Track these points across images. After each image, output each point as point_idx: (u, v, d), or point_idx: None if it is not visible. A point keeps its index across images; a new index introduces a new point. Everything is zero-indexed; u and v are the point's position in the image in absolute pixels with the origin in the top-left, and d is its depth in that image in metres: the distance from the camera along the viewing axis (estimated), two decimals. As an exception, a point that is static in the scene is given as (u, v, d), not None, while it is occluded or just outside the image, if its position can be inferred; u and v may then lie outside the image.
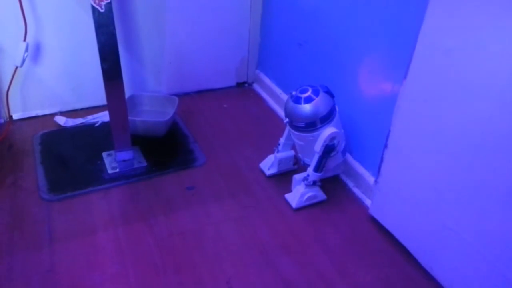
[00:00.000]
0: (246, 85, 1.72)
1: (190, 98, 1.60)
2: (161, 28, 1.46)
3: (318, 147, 1.03)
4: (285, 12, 1.41)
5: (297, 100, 1.02)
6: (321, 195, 1.11)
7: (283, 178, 1.19)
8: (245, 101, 1.61)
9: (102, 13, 1.00)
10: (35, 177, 1.15)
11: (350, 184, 1.19)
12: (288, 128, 1.11)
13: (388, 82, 1.01)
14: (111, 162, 1.21)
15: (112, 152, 1.24)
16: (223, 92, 1.67)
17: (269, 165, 1.21)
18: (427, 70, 0.83)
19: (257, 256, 0.96)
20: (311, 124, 1.02)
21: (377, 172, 1.03)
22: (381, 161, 1.00)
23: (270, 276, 0.92)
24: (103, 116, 1.42)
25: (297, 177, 1.11)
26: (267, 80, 1.61)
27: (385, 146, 0.98)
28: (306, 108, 1.00)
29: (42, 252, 0.93)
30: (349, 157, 1.19)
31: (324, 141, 1.02)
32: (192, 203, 1.10)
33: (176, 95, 1.44)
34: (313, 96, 1.01)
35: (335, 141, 1.04)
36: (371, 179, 1.11)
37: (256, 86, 1.70)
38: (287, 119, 1.06)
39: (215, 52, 1.59)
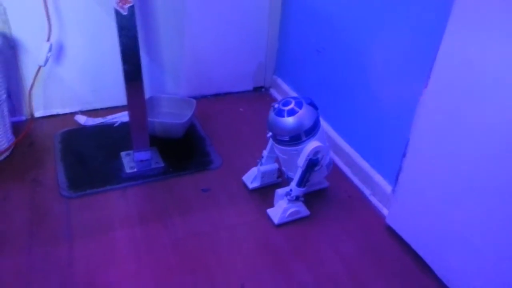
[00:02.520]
0: (263, 89, 1.73)
1: (207, 101, 1.61)
2: (181, 32, 1.48)
3: (302, 161, 0.99)
4: (304, 18, 1.42)
5: (279, 113, 0.99)
6: (304, 211, 1.07)
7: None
8: (262, 105, 1.62)
9: (125, 16, 1.02)
10: (55, 174, 1.17)
11: (367, 192, 1.18)
12: (271, 141, 1.08)
13: (408, 91, 1.00)
14: (129, 161, 1.22)
15: (130, 152, 1.25)
16: (240, 96, 1.68)
17: (252, 178, 1.17)
18: (448, 79, 0.83)
19: (271, 261, 0.96)
20: (295, 138, 0.99)
21: (394, 181, 1.03)
22: (399, 170, 1.00)
23: (283, 282, 0.92)
24: (122, 117, 1.44)
25: (279, 191, 1.07)
26: (284, 86, 1.62)
27: (404, 155, 0.98)
28: (289, 121, 0.98)
29: (61, 247, 0.95)
30: (366, 165, 1.19)
31: (308, 155, 0.98)
32: (207, 205, 1.10)
33: (194, 97, 1.45)
34: (296, 109, 0.98)
35: (319, 155, 1.00)
36: (388, 188, 1.10)
37: (273, 91, 1.71)
38: (270, 133, 1.03)
39: (233, 57, 1.61)
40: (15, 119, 1.37)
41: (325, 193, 1.18)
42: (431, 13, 0.91)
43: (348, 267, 0.96)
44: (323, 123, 1.38)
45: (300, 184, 1.02)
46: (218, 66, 1.61)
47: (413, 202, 0.97)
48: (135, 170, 1.20)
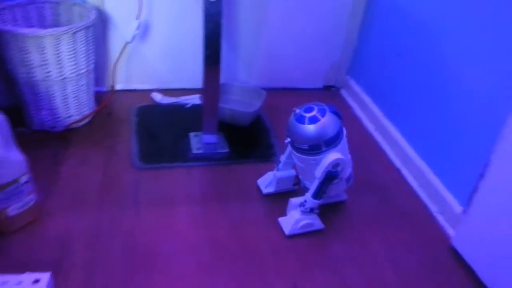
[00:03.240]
0: (333, 89, 1.71)
1: (276, 94, 1.62)
2: (260, 23, 1.49)
3: (319, 172, 0.93)
4: (389, 19, 1.37)
5: (300, 120, 0.93)
6: (318, 224, 1.02)
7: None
8: (331, 105, 1.59)
9: (212, 3, 1.04)
10: (129, 144, 1.24)
11: (433, 209, 1.13)
12: (289, 146, 1.02)
13: (495, 109, 0.94)
14: (196, 143, 1.27)
15: (199, 133, 1.29)
16: (309, 93, 1.66)
17: (267, 182, 1.12)
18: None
19: (325, 262, 0.95)
20: (315, 147, 0.92)
21: (466, 202, 0.97)
22: (474, 190, 0.94)
23: (335, 284, 0.91)
24: (194, 99, 1.49)
25: (293, 201, 1.01)
26: (356, 87, 1.58)
27: (482, 175, 0.92)
28: (310, 129, 0.91)
29: (126, 214, 1.01)
30: (436, 180, 1.13)
31: (326, 167, 0.92)
32: (265, 196, 1.11)
33: (263, 89, 1.46)
34: (319, 116, 0.92)
35: (338, 168, 0.94)
36: (458, 207, 1.04)
37: (343, 92, 1.68)
38: (288, 139, 0.97)
39: (308, 52, 1.60)
40: (97, 89, 1.46)
41: (389, 203, 1.14)
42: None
43: (403, 279, 0.93)
44: (393, 131, 1.33)
45: (316, 196, 0.96)
46: (291, 61, 1.61)
47: (485, 227, 0.91)
48: (201, 151, 1.24)
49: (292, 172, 1.10)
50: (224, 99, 1.45)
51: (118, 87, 1.51)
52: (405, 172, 1.26)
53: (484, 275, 0.92)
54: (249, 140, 1.33)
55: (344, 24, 1.56)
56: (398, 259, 0.98)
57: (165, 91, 1.52)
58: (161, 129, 1.33)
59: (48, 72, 1.14)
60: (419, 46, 1.21)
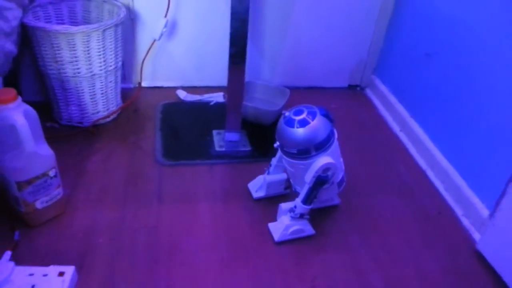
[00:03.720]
0: (358, 88, 1.69)
1: (299, 93, 1.61)
2: (285, 21, 1.49)
3: (309, 177, 0.90)
4: (419, 18, 1.34)
5: (289, 123, 0.89)
6: (309, 229, 0.99)
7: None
8: (355, 105, 1.58)
9: (240, 0, 1.05)
10: (153, 141, 1.26)
11: (459, 212, 1.10)
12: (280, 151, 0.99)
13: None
14: (219, 140, 1.27)
15: (221, 131, 1.30)
16: (333, 92, 1.65)
17: (257, 186, 1.09)
18: None
19: (347, 261, 0.95)
20: (304, 151, 0.89)
21: (494, 206, 0.94)
22: (503, 195, 0.91)
23: (356, 284, 0.90)
24: (218, 97, 1.50)
25: (283, 206, 0.98)
26: (382, 87, 1.56)
27: (511, 179, 0.89)
28: (299, 132, 0.88)
29: (149, 209, 1.03)
30: (463, 183, 1.10)
31: (316, 172, 0.89)
32: (287, 195, 1.11)
33: (287, 87, 1.46)
34: (309, 119, 0.88)
35: (328, 173, 0.90)
36: (485, 211, 1.01)
37: (368, 91, 1.65)
38: (277, 143, 0.95)
39: (333, 51, 1.58)
40: (124, 85, 1.49)
41: (413, 204, 1.12)
42: None
43: (425, 283, 0.91)
44: (419, 131, 1.31)
45: (305, 201, 0.93)
46: (316, 59, 1.59)
47: (514, 233, 0.88)
48: (224, 149, 1.25)
49: (284, 176, 1.06)
50: (248, 97, 1.45)
51: (144, 84, 1.53)
52: (430, 174, 1.23)
53: (510, 280, 0.89)
54: (271, 139, 1.32)
55: (373, 21, 1.53)
56: (421, 262, 0.96)
57: (190, 89, 1.53)
58: (185, 126, 1.34)
59: (78, 68, 1.18)
60: (450, 46, 1.18)
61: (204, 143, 1.27)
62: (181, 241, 0.95)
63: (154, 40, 1.42)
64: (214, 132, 1.31)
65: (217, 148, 1.25)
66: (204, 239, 0.97)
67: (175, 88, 1.53)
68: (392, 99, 1.48)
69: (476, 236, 1.02)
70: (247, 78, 1.48)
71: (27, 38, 1.16)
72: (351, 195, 1.13)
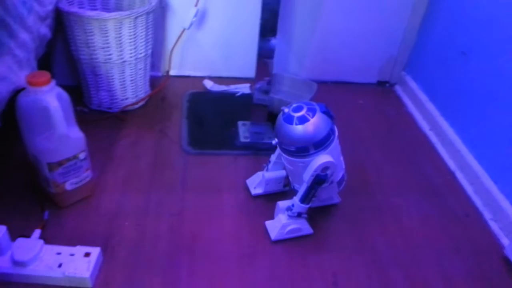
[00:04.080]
0: (387, 85, 1.65)
1: (326, 87, 1.59)
2: (316, 14, 1.46)
3: (307, 176, 0.87)
4: (455, 14, 1.30)
5: (288, 119, 0.87)
6: (307, 229, 0.96)
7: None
8: (383, 101, 1.55)
9: (272, -10, 1.04)
10: (179, 129, 1.27)
11: (487, 216, 1.06)
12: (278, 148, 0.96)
13: None
14: (244, 131, 1.27)
15: (247, 122, 1.30)
16: (361, 88, 1.62)
17: (256, 183, 1.06)
18: None
19: (370, 259, 0.93)
20: (303, 149, 0.87)
21: (526, 211, 0.91)
22: (537, 200, 0.88)
23: (377, 282, 0.88)
24: (244, 88, 1.50)
25: (281, 204, 0.96)
26: (413, 84, 1.52)
27: (547, 185, 0.85)
28: (298, 129, 0.85)
29: (174, 196, 1.04)
30: (493, 187, 1.07)
31: (315, 171, 0.86)
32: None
33: (314, 81, 1.44)
34: (308, 116, 0.85)
35: (328, 172, 0.87)
36: (516, 216, 0.98)
37: (398, 88, 1.61)
38: (276, 140, 0.92)
39: (363, 46, 1.55)
40: (153, 73, 1.51)
41: (440, 206, 1.09)
42: None
43: (449, 285, 0.89)
44: (450, 131, 1.27)
45: (303, 200, 0.90)
46: (345, 54, 1.57)
47: (546, 240, 0.85)
48: (248, 140, 1.24)
49: (283, 173, 1.04)
50: (274, 89, 1.44)
51: (172, 72, 1.54)
52: (459, 175, 1.20)
53: (541, 292, 0.86)
54: (297, 132, 1.32)
55: (406, 17, 1.49)
56: (445, 265, 0.94)
57: (216, 79, 1.54)
58: (211, 116, 1.35)
59: (109, 54, 1.19)
60: (488, 45, 1.14)
61: (229, 133, 1.27)
62: (203, 230, 0.96)
63: (184, 29, 1.43)
64: (240, 123, 1.31)
65: (242, 139, 1.25)
66: (226, 229, 0.97)
67: (202, 77, 1.53)
68: (423, 97, 1.44)
69: (505, 241, 0.99)
70: (274, 70, 1.47)
71: (61, 23, 1.19)
72: (377, 193, 1.12)
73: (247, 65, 1.51)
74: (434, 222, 1.05)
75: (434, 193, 1.14)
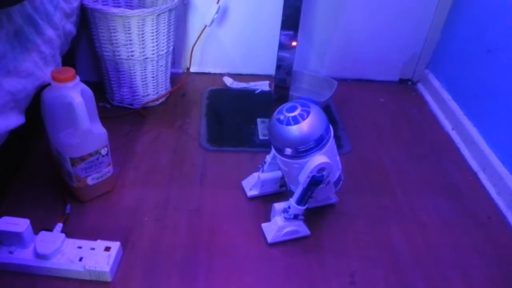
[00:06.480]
0: (409, 83, 1.62)
1: (347, 85, 1.57)
2: (337, 10, 1.45)
3: (303, 178, 0.85)
4: (480, 12, 1.26)
5: (281, 120, 0.85)
6: (304, 230, 0.94)
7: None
8: (405, 99, 1.52)
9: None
10: (199, 125, 1.28)
11: (511, 218, 1.04)
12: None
13: None
14: (263, 129, 1.27)
15: (266, 120, 1.30)
16: (383, 86, 1.60)
17: (251, 185, 1.04)
18: None
19: (387, 259, 0.92)
20: (298, 150, 0.85)
21: (553, 215, 0.88)
22: None
23: (395, 282, 0.87)
24: (263, 85, 1.50)
25: (277, 206, 0.94)
26: (435, 83, 1.49)
27: None
28: (292, 130, 0.83)
29: (193, 192, 1.05)
30: (509, 178, 1.04)
31: (311, 172, 0.84)
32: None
33: (334, 78, 1.43)
34: (302, 117, 0.83)
35: (324, 173, 0.85)
36: (541, 220, 0.95)
37: (420, 86, 1.58)
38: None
39: (386, 43, 1.53)
40: (173, 70, 1.52)
41: (462, 207, 1.07)
42: None
43: (470, 284, 0.88)
44: (473, 131, 1.24)
45: (299, 202, 0.88)
46: (367, 51, 1.54)
47: None
48: (267, 138, 1.24)
49: (279, 174, 1.02)
50: (294, 87, 1.44)
51: (193, 69, 1.55)
52: (482, 176, 1.17)
53: None
54: (316, 130, 1.31)
55: (431, 13, 1.46)
56: (466, 267, 0.92)
57: (236, 76, 1.54)
58: (230, 113, 1.35)
59: (132, 51, 1.21)
60: (513, 41, 1.11)
61: (248, 130, 1.28)
62: (222, 226, 0.97)
63: (205, 26, 1.43)
64: (259, 120, 1.31)
65: (261, 137, 1.25)
66: (244, 226, 0.97)
67: (222, 75, 1.54)
68: (446, 95, 1.41)
69: (529, 243, 0.97)
70: (294, 67, 1.47)
71: (85, 20, 1.21)
72: (397, 192, 1.10)
73: (266, 62, 1.51)
74: (455, 223, 1.03)
75: (455, 194, 1.12)
